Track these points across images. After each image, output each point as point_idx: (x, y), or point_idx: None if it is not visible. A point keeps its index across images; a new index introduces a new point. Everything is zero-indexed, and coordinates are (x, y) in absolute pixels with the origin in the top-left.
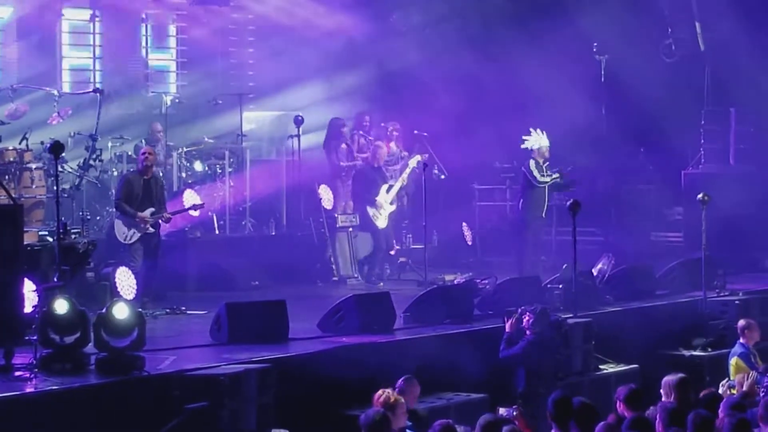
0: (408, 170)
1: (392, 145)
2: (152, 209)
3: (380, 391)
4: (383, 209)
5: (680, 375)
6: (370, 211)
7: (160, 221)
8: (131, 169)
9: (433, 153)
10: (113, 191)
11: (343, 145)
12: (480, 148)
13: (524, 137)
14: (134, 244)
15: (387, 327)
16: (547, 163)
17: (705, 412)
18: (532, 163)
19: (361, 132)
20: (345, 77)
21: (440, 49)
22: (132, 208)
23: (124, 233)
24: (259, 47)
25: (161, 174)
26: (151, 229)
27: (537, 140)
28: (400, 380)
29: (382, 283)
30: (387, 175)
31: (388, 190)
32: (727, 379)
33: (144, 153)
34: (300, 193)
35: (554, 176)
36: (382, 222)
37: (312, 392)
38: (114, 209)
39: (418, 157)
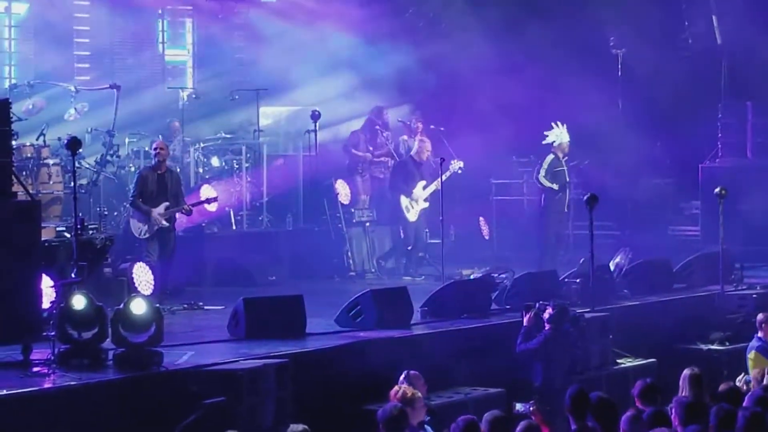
0: (448, 174)
1: (418, 138)
2: (167, 203)
3: (396, 387)
4: (417, 204)
5: (693, 370)
6: (404, 201)
7: (176, 215)
8: (147, 165)
9: (449, 147)
10: (131, 187)
11: (379, 138)
12: (497, 143)
13: (546, 133)
14: (149, 238)
15: (404, 322)
16: (566, 157)
17: (728, 405)
18: (548, 158)
19: (377, 127)
20: (362, 72)
21: (457, 43)
22: (146, 205)
23: (139, 228)
24: (275, 42)
25: (178, 169)
26: (165, 224)
27: (558, 135)
28: (402, 377)
29: (386, 277)
30: (427, 172)
31: (424, 187)
32: (743, 374)
33: (155, 148)
34: (317, 188)
35: (554, 186)
36: (412, 215)
37: (329, 387)
38: (129, 205)
39: (460, 163)
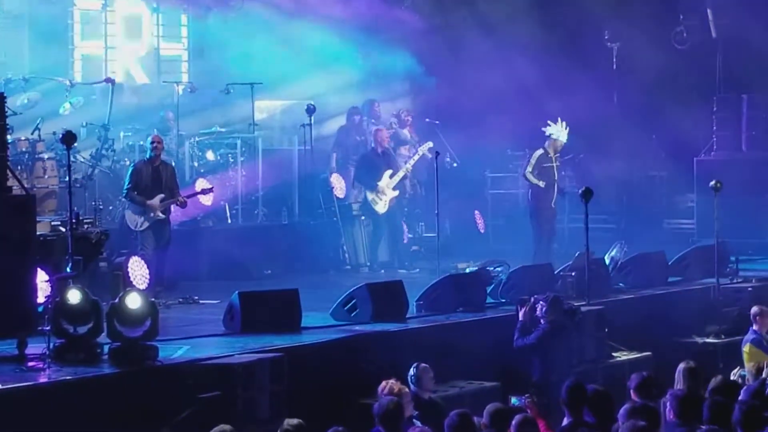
0: (416, 158)
1: (406, 131)
2: (162, 195)
3: (384, 382)
4: (384, 195)
5: (689, 363)
6: (369, 195)
7: (171, 208)
8: (142, 159)
9: (445, 141)
10: (125, 180)
11: (360, 137)
12: (492, 136)
13: (550, 122)
14: (145, 231)
15: (400, 316)
16: (557, 153)
17: (722, 399)
18: (536, 153)
19: (373, 120)
20: (357, 66)
21: (452, 37)
22: (141, 197)
23: (135, 220)
24: (270, 36)
25: (173, 163)
26: (161, 215)
27: (557, 132)
28: (413, 368)
29: (383, 271)
30: (393, 159)
31: (392, 176)
32: (738, 367)
33: (153, 142)
34: (312, 181)
35: (540, 183)
36: (381, 207)
37: (325, 381)
38: (123, 198)
39: (429, 144)
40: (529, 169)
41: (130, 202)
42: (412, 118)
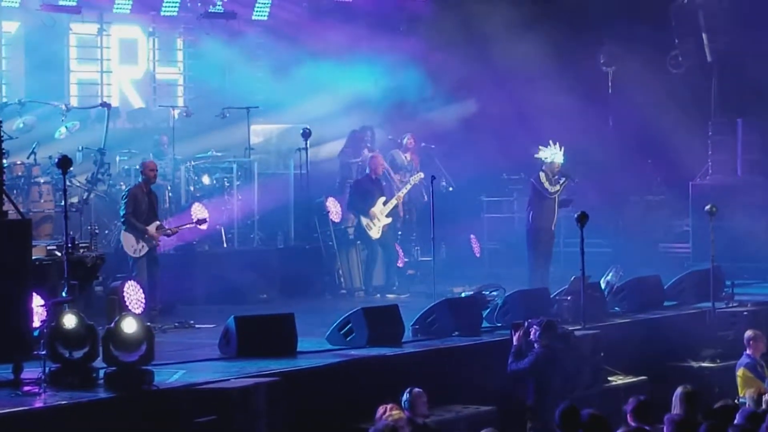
0: (407, 187)
1: (407, 155)
2: (157, 222)
3: (381, 407)
4: (377, 220)
5: (687, 387)
6: (364, 221)
7: (165, 235)
8: (136, 184)
9: (440, 165)
10: (121, 205)
11: (359, 160)
12: (487, 160)
13: (540, 147)
14: (140, 257)
15: (396, 340)
16: (557, 176)
17: (717, 423)
18: (542, 175)
19: (368, 145)
20: (353, 90)
21: (448, 62)
22: (140, 222)
23: (134, 246)
24: (266, 60)
25: (169, 187)
26: (158, 243)
27: (551, 154)
28: (406, 393)
29: (378, 295)
30: (384, 186)
31: (385, 203)
32: (737, 397)
33: (153, 169)
34: (308, 206)
35: (563, 182)
36: (375, 233)
37: (321, 406)
38: (121, 223)
39: (420, 175)
40: (547, 185)
41: (130, 228)
42: (414, 143)
